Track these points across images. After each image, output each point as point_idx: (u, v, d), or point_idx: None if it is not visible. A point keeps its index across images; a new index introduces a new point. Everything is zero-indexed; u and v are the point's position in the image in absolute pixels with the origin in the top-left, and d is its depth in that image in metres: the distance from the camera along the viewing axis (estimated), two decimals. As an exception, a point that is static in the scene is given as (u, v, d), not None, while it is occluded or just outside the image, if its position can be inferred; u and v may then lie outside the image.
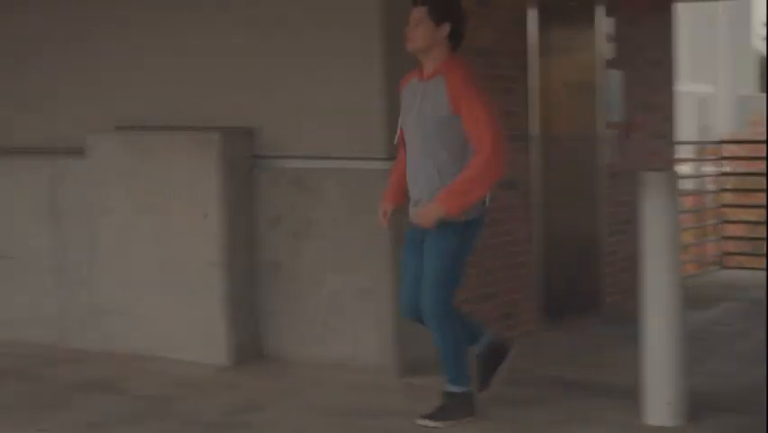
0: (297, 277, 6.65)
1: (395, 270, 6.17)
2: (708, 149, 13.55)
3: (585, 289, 8.42)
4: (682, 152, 11.32)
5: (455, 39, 5.27)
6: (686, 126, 20.13)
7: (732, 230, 12.89)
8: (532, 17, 7.65)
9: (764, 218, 10.90)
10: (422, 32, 5.23)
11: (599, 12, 8.41)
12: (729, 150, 14.12)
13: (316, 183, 6.56)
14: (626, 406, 5.41)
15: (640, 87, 9.00)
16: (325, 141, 6.55)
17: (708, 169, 12.92)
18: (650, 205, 5.16)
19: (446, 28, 5.22)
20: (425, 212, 5.14)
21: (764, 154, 10.80)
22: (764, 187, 11.06)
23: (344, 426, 5.43)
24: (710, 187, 12.77)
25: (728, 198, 12.56)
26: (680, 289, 5.18)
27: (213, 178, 6.54)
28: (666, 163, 9.46)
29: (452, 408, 5.32)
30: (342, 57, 6.45)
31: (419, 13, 5.23)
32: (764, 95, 29.41)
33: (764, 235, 11.20)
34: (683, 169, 11.88)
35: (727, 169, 12.85)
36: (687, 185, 12.50)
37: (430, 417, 5.32)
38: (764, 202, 10.86)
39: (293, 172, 6.63)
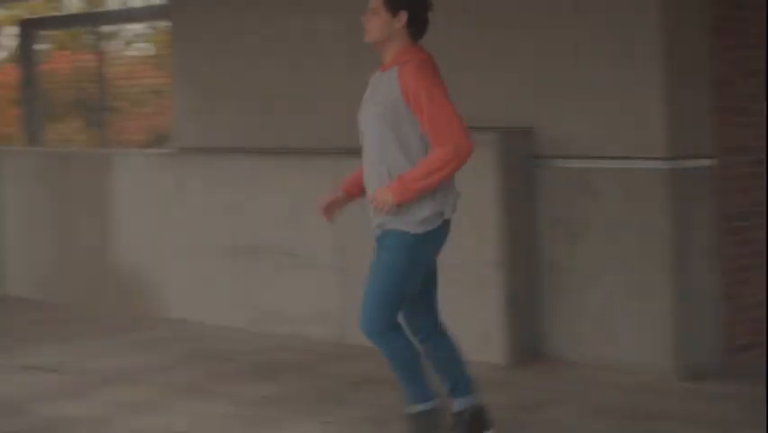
0: (574, 277, 6.60)
1: (673, 270, 6.05)
2: None
3: None
4: None
5: (415, 27, 4.79)
6: None
7: None
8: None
9: None
10: (377, 23, 4.79)
11: None
12: None
13: (595, 183, 6.49)
14: None
15: None
16: (604, 140, 6.47)
17: None
18: None
19: (403, 17, 4.75)
20: (376, 195, 4.71)
21: None
22: None
23: (624, 428, 5.35)
24: None
25: None
26: None
27: (490, 178, 6.58)
28: None
29: (422, 429, 4.86)
30: (620, 57, 6.36)
31: (375, 2, 4.78)
32: None
33: None
34: None
35: None
36: None
37: None
38: None
39: (573, 172, 6.58)
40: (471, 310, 6.66)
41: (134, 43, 13.72)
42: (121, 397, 6.10)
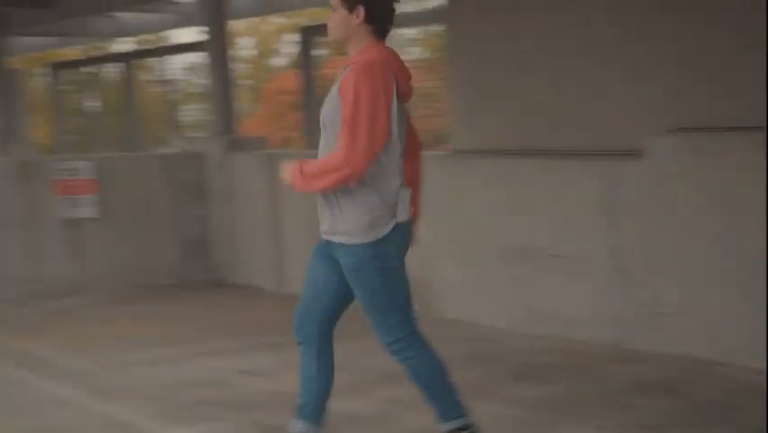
0: None
1: None
2: None
3: None
4: None
5: (376, 23, 4.49)
6: None
7: None
8: None
9: None
10: (336, 21, 4.53)
11: None
12: None
13: None
14: None
15: None
16: None
17: None
18: None
19: (360, 12, 4.47)
20: (283, 168, 4.49)
21: None
22: None
23: None
24: None
25: None
26: None
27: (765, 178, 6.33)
28: None
29: None
30: None
31: None
32: None
33: None
34: None
35: None
36: None
37: None
38: None
39: None
40: (758, 317, 6.40)
41: (407, 47, 14.00)
42: (396, 394, 6.20)
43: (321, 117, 4.54)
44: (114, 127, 18.05)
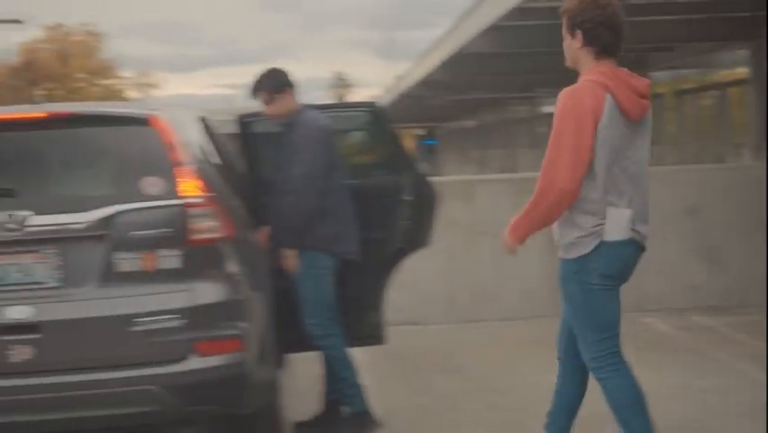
0: None
1: None
2: None
3: None
4: None
5: (596, 45, 4.56)
6: None
7: None
8: None
9: None
10: (565, 48, 4.68)
11: None
12: None
13: None
14: None
15: None
16: None
17: None
18: None
19: (578, 36, 4.57)
20: None
21: None
22: None
23: None
24: None
25: None
26: None
27: None
28: None
29: None
30: None
31: (563, 27, 4.67)
32: None
33: None
34: None
35: None
36: None
37: None
38: None
39: None
40: None
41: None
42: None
43: None
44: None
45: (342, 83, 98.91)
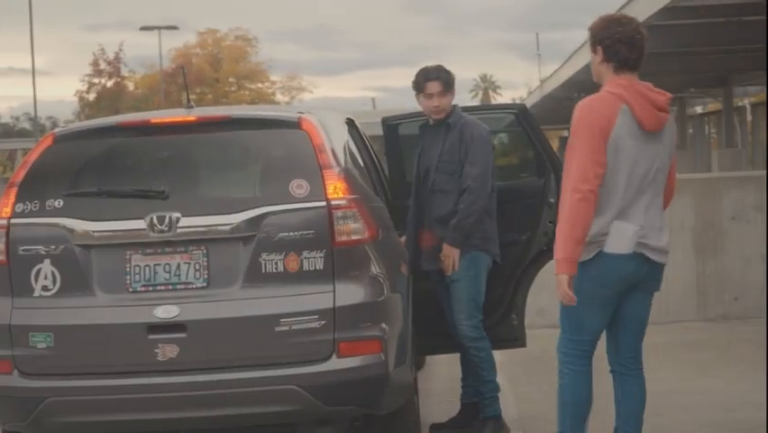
0: None
1: None
2: None
3: None
4: None
5: (615, 60, 4.66)
6: None
7: None
8: None
9: None
10: (592, 64, 4.81)
11: None
12: None
13: None
14: None
15: None
16: None
17: None
18: None
19: (599, 51, 4.71)
20: None
21: None
22: None
23: None
24: None
25: None
26: None
27: None
28: None
29: None
30: None
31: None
32: None
33: None
34: None
35: None
36: None
37: None
38: None
39: None
40: None
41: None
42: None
43: None
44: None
45: (487, 85, 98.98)
